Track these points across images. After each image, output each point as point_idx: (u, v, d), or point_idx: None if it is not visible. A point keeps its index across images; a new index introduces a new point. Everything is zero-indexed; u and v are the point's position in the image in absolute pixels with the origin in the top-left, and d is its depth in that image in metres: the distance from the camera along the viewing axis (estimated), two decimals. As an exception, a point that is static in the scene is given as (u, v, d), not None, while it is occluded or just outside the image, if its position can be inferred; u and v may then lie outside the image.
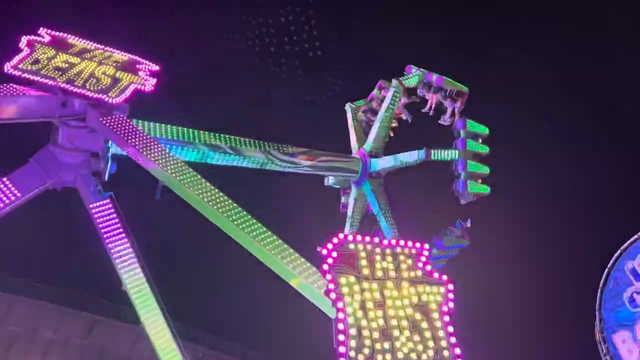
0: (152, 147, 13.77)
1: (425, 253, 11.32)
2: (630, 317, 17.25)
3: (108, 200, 16.34)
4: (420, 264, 10.99)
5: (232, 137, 18.44)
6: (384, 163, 21.37)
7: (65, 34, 16.58)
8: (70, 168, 16.07)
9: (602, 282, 18.40)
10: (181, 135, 17.42)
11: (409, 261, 10.98)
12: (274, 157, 19.10)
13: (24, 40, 15.41)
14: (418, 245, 11.28)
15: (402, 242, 11.25)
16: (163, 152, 13.91)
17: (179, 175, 13.29)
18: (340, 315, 9.71)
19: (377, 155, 21.59)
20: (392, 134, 22.54)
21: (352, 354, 9.24)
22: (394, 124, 22.59)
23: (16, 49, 15.41)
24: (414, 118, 22.54)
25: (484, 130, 20.43)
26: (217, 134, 18.15)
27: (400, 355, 9.53)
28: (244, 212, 12.87)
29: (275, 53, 37.49)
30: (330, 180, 23.05)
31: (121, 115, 14.94)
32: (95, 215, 15.99)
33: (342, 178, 22.43)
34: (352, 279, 10.23)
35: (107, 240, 15.82)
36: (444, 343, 9.83)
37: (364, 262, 10.65)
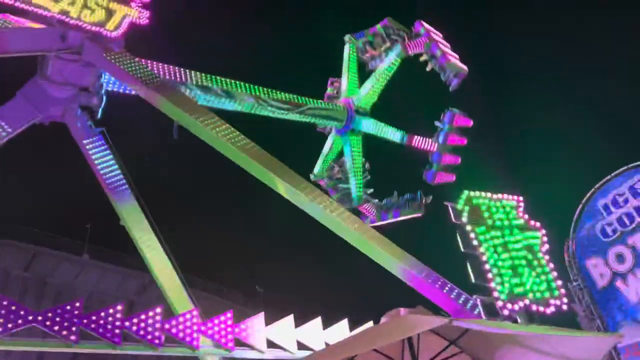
0: (165, 85, 13.36)
1: (521, 205, 14.35)
2: (601, 246, 18.99)
3: (99, 136, 16.20)
4: (520, 214, 14.02)
5: (224, 79, 17.85)
6: (367, 126, 21.42)
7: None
8: (59, 102, 15.64)
9: (576, 215, 19.93)
10: (173, 74, 16.80)
11: (514, 212, 14.03)
12: (264, 102, 18.84)
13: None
14: (516, 197, 14.45)
15: (506, 196, 14.37)
16: (174, 90, 13.57)
17: (194, 113, 13.12)
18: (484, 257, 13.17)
19: (363, 113, 21.55)
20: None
21: (496, 286, 12.67)
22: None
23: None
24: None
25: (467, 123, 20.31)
26: (209, 75, 17.55)
27: (527, 286, 12.83)
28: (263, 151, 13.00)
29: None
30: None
31: (125, 53, 14.31)
32: (89, 150, 15.83)
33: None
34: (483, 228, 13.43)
35: (102, 173, 15.67)
36: (550, 276, 13.15)
37: (486, 214, 13.77)
